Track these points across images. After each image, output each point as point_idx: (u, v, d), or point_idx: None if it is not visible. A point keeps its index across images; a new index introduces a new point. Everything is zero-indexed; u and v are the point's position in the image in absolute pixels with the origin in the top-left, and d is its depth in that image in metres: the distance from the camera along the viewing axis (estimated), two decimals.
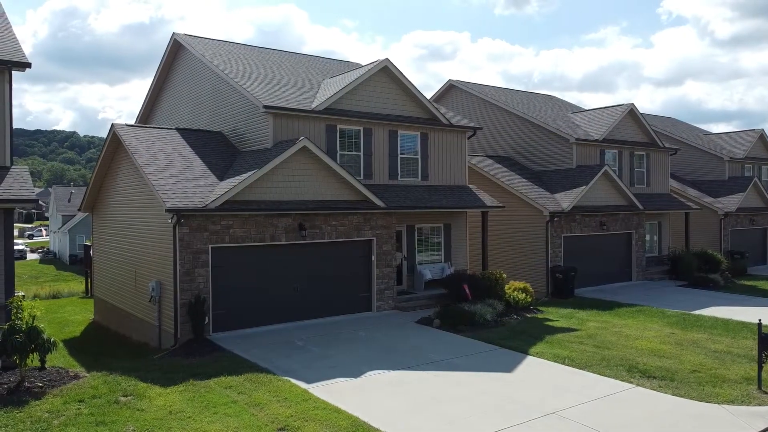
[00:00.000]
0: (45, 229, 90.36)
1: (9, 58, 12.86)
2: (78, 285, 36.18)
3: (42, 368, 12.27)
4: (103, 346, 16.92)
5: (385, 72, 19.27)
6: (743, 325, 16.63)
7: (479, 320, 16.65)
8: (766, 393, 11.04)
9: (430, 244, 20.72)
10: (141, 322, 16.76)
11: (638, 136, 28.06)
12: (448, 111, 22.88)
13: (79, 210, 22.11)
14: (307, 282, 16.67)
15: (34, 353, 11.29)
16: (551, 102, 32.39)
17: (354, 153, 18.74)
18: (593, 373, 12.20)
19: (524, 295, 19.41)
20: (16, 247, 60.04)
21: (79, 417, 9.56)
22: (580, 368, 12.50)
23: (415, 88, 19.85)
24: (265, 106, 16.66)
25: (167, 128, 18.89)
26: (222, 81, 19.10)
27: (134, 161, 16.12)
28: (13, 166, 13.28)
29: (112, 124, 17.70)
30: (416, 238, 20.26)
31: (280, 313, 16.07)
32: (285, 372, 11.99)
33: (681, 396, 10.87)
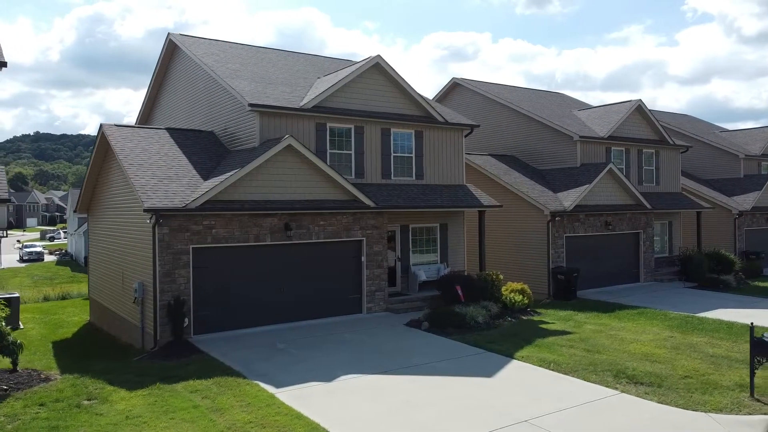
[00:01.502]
0: (64, 232, 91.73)
1: None
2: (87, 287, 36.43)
3: (13, 370, 12.17)
4: (90, 348, 16.79)
5: (377, 69, 18.89)
6: (748, 329, 15.84)
7: (470, 322, 16.18)
8: (758, 401, 10.41)
9: (426, 244, 20.27)
10: (127, 324, 16.61)
11: (647, 133, 27.26)
12: (447, 109, 22.45)
13: (74, 211, 22.11)
14: (294, 283, 16.35)
15: (2, 356, 11.13)
16: (559, 100, 31.70)
17: (345, 152, 18.38)
18: (578, 378, 11.66)
19: (521, 296, 18.86)
20: (33, 249, 61.12)
21: (34, 421, 9.35)
22: (565, 373, 11.97)
23: (409, 85, 19.44)
24: (251, 104, 16.39)
25: (156, 128, 18.76)
26: (213, 80, 18.90)
27: (118, 161, 15.98)
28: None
29: (101, 125, 17.60)
30: (410, 238, 19.83)
31: (266, 315, 15.76)
32: (258, 376, 11.67)
33: (666, 404, 10.29)
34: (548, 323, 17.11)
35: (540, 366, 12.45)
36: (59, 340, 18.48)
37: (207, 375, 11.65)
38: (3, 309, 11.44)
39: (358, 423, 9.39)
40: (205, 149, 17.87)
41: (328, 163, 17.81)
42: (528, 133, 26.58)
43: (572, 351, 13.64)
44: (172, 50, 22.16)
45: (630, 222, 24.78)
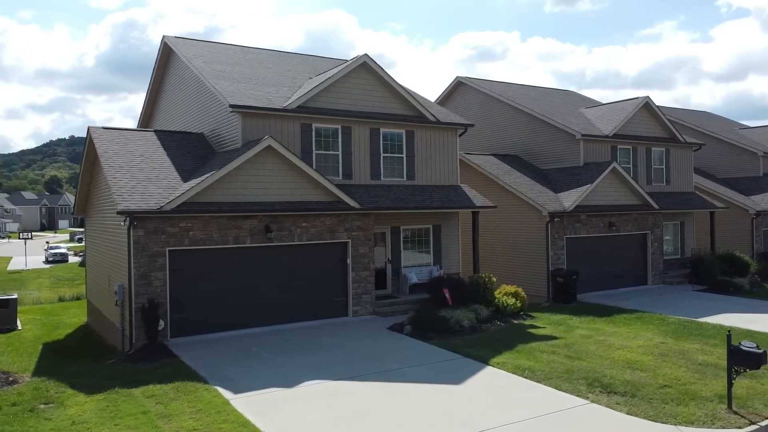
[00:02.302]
0: None
1: None
2: None
3: None
4: (75, 350, 16.85)
5: (365, 68, 18.59)
6: (747, 334, 15.12)
7: (454, 327, 15.76)
8: (735, 413, 9.81)
9: (418, 246, 19.88)
10: (112, 326, 16.61)
11: (655, 131, 26.39)
12: (443, 108, 22.03)
13: (72, 213, 22.34)
14: (277, 286, 16.15)
15: None
16: (568, 97, 30.95)
17: (332, 152, 18.13)
18: (549, 386, 11.18)
19: (514, 300, 18.33)
20: (58, 251, 62.23)
21: None
22: (538, 381, 11.49)
23: (399, 84, 19.10)
24: (231, 105, 16.25)
25: (144, 130, 18.78)
26: (202, 82, 18.84)
27: (100, 163, 16.00)
28: None
29: (88, 128, 17.69)
30: (402, 239, 19.47)
31: (246, 318, 15.59)
32: (220, 381, 11.47)
33: (636, 415, 9.76)
34: (538, 327, 16.58)
35: (514, 373, 11.99)
36: (51, 342, 18.60)
37: (169, 379, 11.49)
38: None
39: None
40: (191, 151, 17.80)
41: (314, 164, 17.60)
42: (531, 132, 25.98)
43: (552, 357, 13.12)
44: (167, 53, 22.21)
45: (636, 223, 23.98)
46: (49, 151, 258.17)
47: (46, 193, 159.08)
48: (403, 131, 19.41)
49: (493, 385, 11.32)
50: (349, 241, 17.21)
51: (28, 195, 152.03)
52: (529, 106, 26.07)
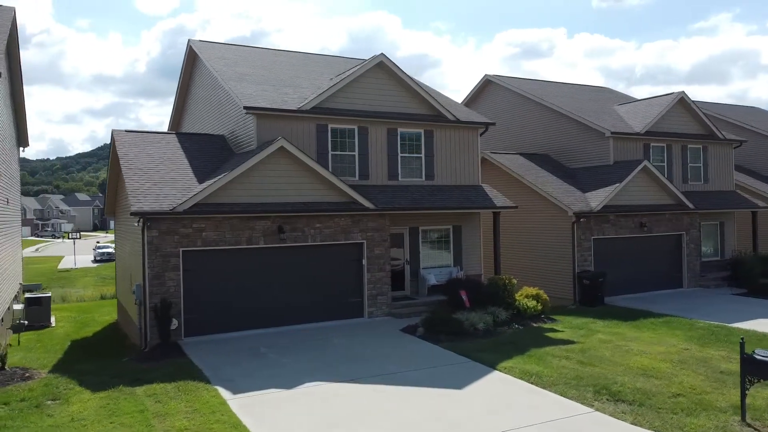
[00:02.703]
0: None
1: None
2: None
3: (1, 369, 12.61)
4: (99, 347, 17.28)
5: (381, 68, 18.46)
6: None
7: (468, 329, 15.46)
8: (749, 426, 9.23)
9: (438, 247, 19.60)
10: (133, 324, 16.98)
11: (692, 127, 25.33)
12: (464, 108, 21.67)
13: (103, 216, 22.95)
14: (290, 286, 16.18)
15: None
16: (602, 94, 30.05)
17: (348, 153, 18.06)
18: (555, 393, 10.79)
19: (534, 302, 17.87)
20: (105, 250, 64.25)
21: None
22: (544, 387, 11.12)
23: (416, 83, 18.90)
24: (245, 107, 16.38)
25: (165, 133, 19.13)
26: (220, 84, 19.06)
27: (120, 165, 16.37)
28: None
29: (112, 131, 18.13)
30: (420, 240, 19.23)
31: (259, 319, 15.66)
32: (222, 381, 11.53)
33: (640, 424, 9.31)
34: (557, 331, 16.10)
35: (520, 378, 11.64)
36: (79, 339, 19.17)
37: (173, 378, 11.62)
38: None
39: None
40: (210, 153, 18.02)
41: (330, 165, 17.59)
42: (559, 130, 25.32)
43: (564, 363, 12.69)
44: (192, 57, 22.59)
45: (670, 223, 23.05)
46: (103, 153, 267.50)
47: (99, 195, 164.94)
48: (422, 131, 19.19)
49: (496, 390, 11.01)
50: (364, 241, 17.11)
51: (82, 196, 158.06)
52: (558, 103, 25.41)
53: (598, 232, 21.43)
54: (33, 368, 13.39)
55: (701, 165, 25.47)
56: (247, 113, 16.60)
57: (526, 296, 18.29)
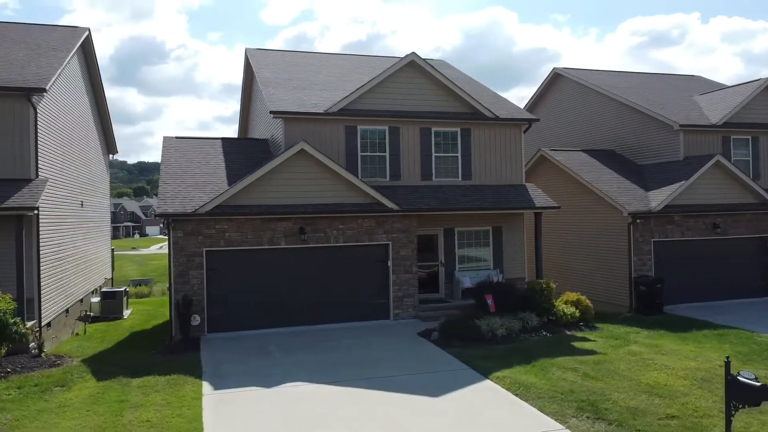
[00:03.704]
0: None
1: (26, 85, 14.87)
2: None
3: (37, 356, 13.93)
4: (145, 340, 18.48)
5: (413, 67, 18.21)
6: None
7: (486, 335, 14.88)
8: None
9: (476, 248, 18.98)
10: None
11: None
12: (512, 103, 20.75)
13: (155, 216, 24.59)
14: (313, 287, 16.41)
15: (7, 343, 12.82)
16: (689, 83, 27.52)
17: (378, 154, 18.01)
18: (534, 407, 10.10)
19: (573, 309, 16.83)
20: None
21: None
22: (526, 399, 10.44)
23: (450, 81, 18.44)
24: (272, 111, 16.87)
25: (213, 138, 20.12)
26: (257, 90, 19.73)
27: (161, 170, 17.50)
28: (37, 178, 15.27)
29: (163, 138, 19.40)
30: (456, 242, 18.71)
31: (280, 318, 16.04)
32: (214, 377, 11.97)
33: None
34: (588, 341, 15.02)
35: (508, 389, 11.01)
36: (138, 331, 20.65)
37: (171, 372, 12.25)
38: (9, 302, 13.14)
39: None
40: (249, 157, 18.72)
41: (360, 166, 17.67)
42: (627, 124, 23.56)
43: (566, 375, 11.82)
44: (249, 65, 23.56)
45: (751, 224, 20.66)
46: None
47: None
48: (458, 129, 18.69)
49: (473, 400, 10.50)
50: (390, 243, 16.98)
51: None
52: (628, 95, 23.64)
53: (660, 233, 19.67)
54: (71, 356, 14.66)
55: None
56: (274, 117, 17.08)
57: (565, 302, 17.27)
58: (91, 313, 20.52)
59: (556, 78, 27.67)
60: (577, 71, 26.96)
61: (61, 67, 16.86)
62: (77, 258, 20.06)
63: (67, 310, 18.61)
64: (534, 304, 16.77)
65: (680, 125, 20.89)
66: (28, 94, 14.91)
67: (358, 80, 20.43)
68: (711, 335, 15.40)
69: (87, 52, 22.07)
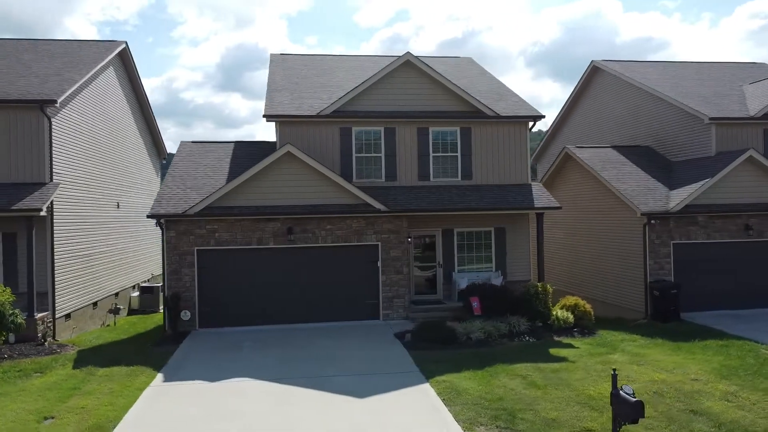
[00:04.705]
0: None
1: (40, 98, 16.34)
2: None
3: (41, 344, 15.28)
4: (157, 333, 19.71)
5: (409, 66, 18.11)
6: None
7: (461, 338, 14.61)
8: None
9: (477, 250, 18.55)
10: None
11: None
12: (520, 99, 20.06)
13: None
14: (301, 286, 16.78)
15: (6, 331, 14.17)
16: (752, 71, 25.21)
17: (374, 154, 18.09)
18: (450, 413, 9.86)
19: (567, 313, 16.12)
20: None
21: None
22: (449, 404, 10.22)
23: (448, 80, 18.18)
24: (265, 115, 17.41)
25: (227, 142, 20.96)
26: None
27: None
28: (51, 182, 16.71)
29: (181, 142, 20.54)
30: (456, 242, 18.40)
31: (269, 316, 16.52)
32: (172, 369, 12.66)
33: None
34: (572, 348, 14.33)
35: (439, 393, 10.80)
36: (162, 324, 22.01)
37: (137, 363, 13.07)
38: (8, 295, 14.48)
39: (143, 425, 9.65)
40: (256, 160, 19.30)
41: (354, 167, 17.86)
42: (663, 118, 22.05)
43: (511, 383, 11.40)
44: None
45: None
46: None
47: None
48: (457, 128, 18.38)
49: (394, 404, 10.40)
50: (379, 243, 17.02)
51: None
52: (660, 87, 22.13)
53: (682, 235, 18.29)
54: (76, 345, 15.94)
55: None
56: (267, 121, 17.63)
57: (562, 306, 16.56)
58: (122, 307, 22.05)
59: (595, 72, 26.35)
60: (615, 63, 25.55)
61: (82, 80, 18.30)
62: (111, 255, 21.65)
63: (95, 303, 20.15)
64: (528, 308, 16.23)
65: (710, 118, 19.29)
66: (42, 105, 16.35)
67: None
68: (713, 346, 14.19)
69: (126, 63, 23.76)
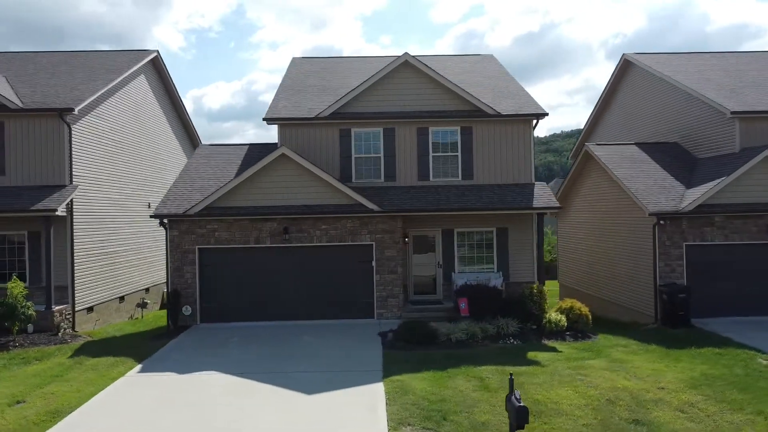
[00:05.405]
0: None
1: (59, 106, 17.62)
2: None
3: (55, 334, 16.48)
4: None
5: (408, 67, 18.14)
6: None
7: (442, 339, 14.57)
8: None
9: (478, 250, 18.32)
10: None
11: None
12: (528, 96, 19.61)
13: None
14: (298, 285, 17.21)
15: (16, 322, 15.40)
16: None
17: (373, 155, 18.25)
18: (386, 413, 9.93)
19: (560, 317, 15.69)
20: None
21: None
22: (390, 404, 10.29)
23: (447, 79, 18.07)
24: (264, 118, 17.95)
25: (242, 144, 21.67)
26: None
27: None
28: (71, 184, 17.97)
29: (199, 146, 21.47)
30: (456, 243, 18.25)
31: (267, 312, 17.04)
32: (153, 361, 13.40)
33: None
34: (555, 351, 13.97)
35: (386, 393, 10.87)
36: None
37: (125, 354, 13.89)
38: (22, 289, 15.70)
39: (97, 411, 10.30)
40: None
41: (353, 168, 18.13)
42: (689, 112, 20.91)
43: (464, 385, 11.29)
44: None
45: None
46: None
47: None
48: (458, 128, 18.23)
49: (340, 401, 10.59)
50: (373, 243, 17.17)
51: None
52: (686, 80, 20.97)
53: (696, 237, 17.31)
54: (91, 336, 17.10)
55: None
56: (268, 123, 18.16)
57: (558, 309, 16.14)
58: (149, 302, 23.30)
59: (627, 66, 25.27)
60: (646, 57, 24.40)
61: (104, 89, 19.55)
62: (138, 252, 22.95)
63: (122, 297, 21.46)
64: (520, 310, 15.92)
65: (732, 112, 18.14)
66: (61, 113, 17.64)
67: None
68: (706, 354, 13.43)
69: (159, 70, 25.09)
